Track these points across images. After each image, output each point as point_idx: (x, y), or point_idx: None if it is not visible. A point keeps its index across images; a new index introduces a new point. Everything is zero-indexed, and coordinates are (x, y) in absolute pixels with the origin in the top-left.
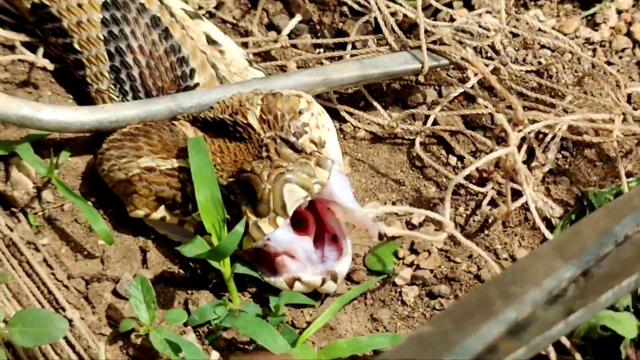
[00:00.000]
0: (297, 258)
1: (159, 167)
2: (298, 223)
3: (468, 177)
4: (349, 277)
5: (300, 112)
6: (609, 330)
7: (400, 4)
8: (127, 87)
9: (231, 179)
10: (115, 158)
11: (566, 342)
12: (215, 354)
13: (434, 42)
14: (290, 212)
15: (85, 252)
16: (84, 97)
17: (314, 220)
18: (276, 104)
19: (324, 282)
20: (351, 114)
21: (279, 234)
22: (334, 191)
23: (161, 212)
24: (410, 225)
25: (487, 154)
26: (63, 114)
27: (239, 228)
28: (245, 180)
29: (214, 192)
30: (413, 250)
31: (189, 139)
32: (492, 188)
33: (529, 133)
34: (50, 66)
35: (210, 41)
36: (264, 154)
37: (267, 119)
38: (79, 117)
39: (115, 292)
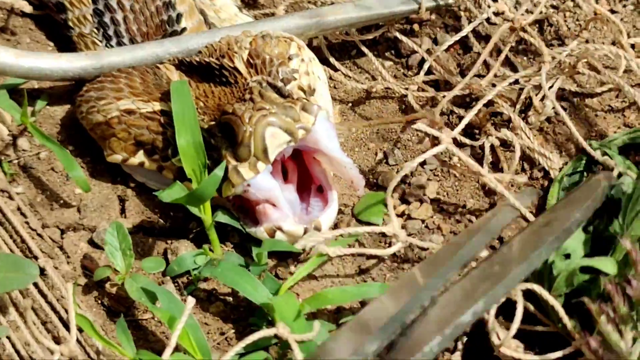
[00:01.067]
0: (279, 207)
1: (139, 109)
2: (282, 173)
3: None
4: (336, 228)
5: (289, 58)
6: (588, 272)
7: None
8: (110, 32)
9: (212, 122)
10: (94, 100)
11: (545, 293)
12: (191, 299)
13: None
14: (272, 157)
15: (62, 201)
16: (64, 44)
17: (295, 168)
18: (265, 48)
19: (306, 232)
20: (342, 64)
21: (259, 180)
22: (319, 138)
23: (140, 157)
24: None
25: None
26: (45, 61)
27: (218, 172)
28: (226, 122)
29: (195, 136)
30: (404, 200)
31: (172, 82)
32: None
33: (527, 81)
34: (29, 8)
35: None
36: (248, 96)
37: (255, 63)
38: (61, 64)
39: (91, 242)
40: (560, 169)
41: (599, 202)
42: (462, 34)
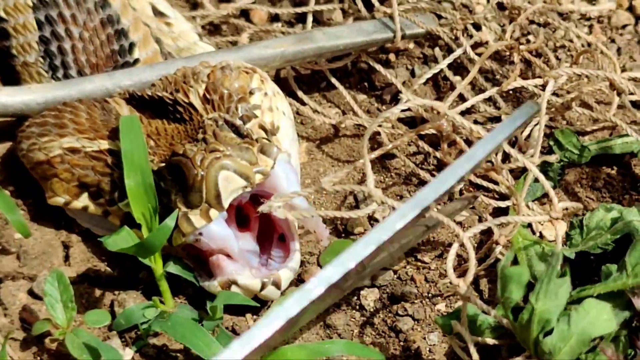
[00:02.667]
0: (234, 258)
1: (84, 148)
2: (242, 219)
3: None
4: (299, 278)
5: (251, 92)
6: None
7: None
8: (57, 62)
9: (163, 164)
10: (36, 136)
11: None
12: (129, 351)
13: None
14: (226, 204)
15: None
16: (7, 74)
17: (256, 216)
18: (224, 82)
19: (264, 287)
20: (310, 97)
21: (212, 229)
22: (278, 184)
23: (83, 200)
24: (372, 220)
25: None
26: None
27: (169, 221)
28: (177, 164)
29: (145, 177)
30: None
31: (122, 118)
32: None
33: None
34: None
35: (157, 12)
36: (201, 136)
37: (212, 99)
38: (1, 98)
39: (31, 292)
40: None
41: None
42: (441, 66)
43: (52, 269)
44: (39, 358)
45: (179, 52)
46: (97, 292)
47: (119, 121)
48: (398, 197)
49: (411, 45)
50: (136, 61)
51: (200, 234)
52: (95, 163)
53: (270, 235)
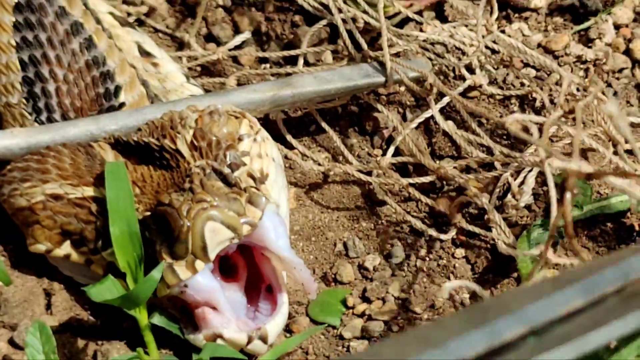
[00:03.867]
0: (220, 310)
1: (67, 194)
2: (228, 268)
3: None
4: (287, 329)
5: (240, 139)
6: None
7: (363, 10)
8: (41, 104)
9: (148, 213)
10: (17, 181)
11: None
12: None
13: (397, 55)
14: (212, 256)
15: None
16: None
17: (245, 265)
18: (212, 128)
19: (250, 340)
20: (299, 141)
21: (198, 281)
22: (266, 235)
23: (66, 248)
24: (363, 269)
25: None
26: None
27: (155, 273)
28: (162, 214)
29: (131, 225)
30: (365, 298)
31: (107, 164)
32: (456, 234)
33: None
34: None
35: (143, 52)
36: (187, 185)
37: (200, 145)
38: None
39: (12, 342)
40: None
41: None
42: (432, 111)
43: (33, 318)
44: None
45: (165, 93)
46: (80, 343)
47: (103, 167)
48: (389, 246)
49: (402, 88)
50: (122, 105)
51: (186, 285)
52: (79, 210)
53: (258, 286)
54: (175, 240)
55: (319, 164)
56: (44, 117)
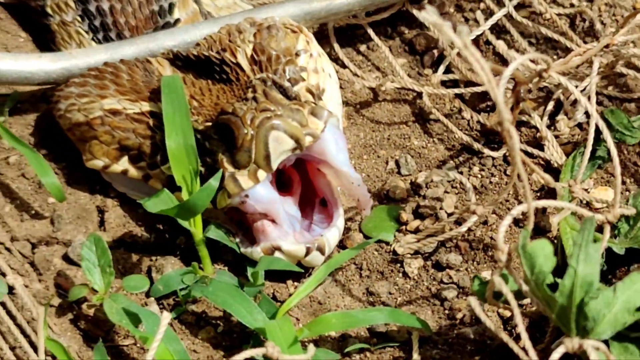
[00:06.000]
0: (279, 222)
1: (125, 110)
2: (282, 184)
3: (485, 134)
4: (341, 245)
5: (297, 54)
6: None
7: None
8: (97, 23)
9: (208, 123)
10: (75, 96)
11: None
12: (166, 314)
13: None
14: (275, 165)
15: (33, 211)
16: (40, 34)
17: (299, 180)
18: (270, 43)
19: (308, 252)
20: (350, 59)
21: (259, 191)
22: (327, 148)
23: (123, 163)
24: (415, 186)
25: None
26: (24, 63)
27: (213, 181)
28: (224, 123)
29: (187, 138)
30: (418, 214)
31: (163, 77)
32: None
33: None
34: None
35: None
36: (250, 95)
37: (260, 60)
38: (43, 65)
39: (66, 257)
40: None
41: None
42: (483, 28)
43: (87, 234)
44: (75, 324)
45: (218, 11)
46: (134, 258)
47: (160, 81)
48: (441, 163)
49: (452, 9)
50: (177, 21)
51: (247, 195)
52: (137, 125)
53: (310, 200)
54: (238, 149)
55: (369, 81)
56: (100, 36)
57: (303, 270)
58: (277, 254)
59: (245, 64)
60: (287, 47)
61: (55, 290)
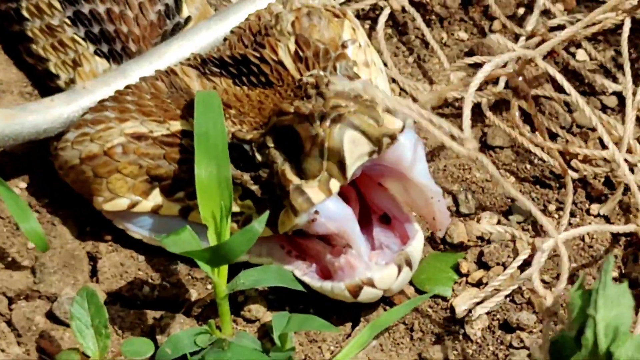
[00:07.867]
0: (353, 244)
1: (151, 133)
2: None
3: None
4: (388, 300)
5: (344, 45)
6: None
7: None
8: (95, 31)
9: (256, 131)
10: (88, 124)
11: None
12: None
13: None
14: (350, 173)
15: (10, 258)
16: (6, 45)
17: (356, 197)
18: (312, 33)
19: (399, 270)
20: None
21: (329, 206)
22: (403, 154)
23: (155, 197)
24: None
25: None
26: (37, 116)
27: (257, 225)
28: (286, 126)
29: (222, 168)
30: (482, 263)
31: (197, 93)
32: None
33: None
34: None
35: None
36: (311, 91)
37: (305, 56)
38: (57, 109)
39: (51, 315)
40: None
41: None
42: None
43: (76, 287)
44: None
45: None
46: (134, 316)
47: (189, 95)
48: (510, 200)
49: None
50: (188, 19)
51: (316, 212)
52: (168, 149)
53: (365, 219)
54: (306, 154)
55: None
56: (105, 49)
57: (338, 332)
58: (366, 290)
59: (288, 62)
60: (332, 36)
61: (38, 355)
